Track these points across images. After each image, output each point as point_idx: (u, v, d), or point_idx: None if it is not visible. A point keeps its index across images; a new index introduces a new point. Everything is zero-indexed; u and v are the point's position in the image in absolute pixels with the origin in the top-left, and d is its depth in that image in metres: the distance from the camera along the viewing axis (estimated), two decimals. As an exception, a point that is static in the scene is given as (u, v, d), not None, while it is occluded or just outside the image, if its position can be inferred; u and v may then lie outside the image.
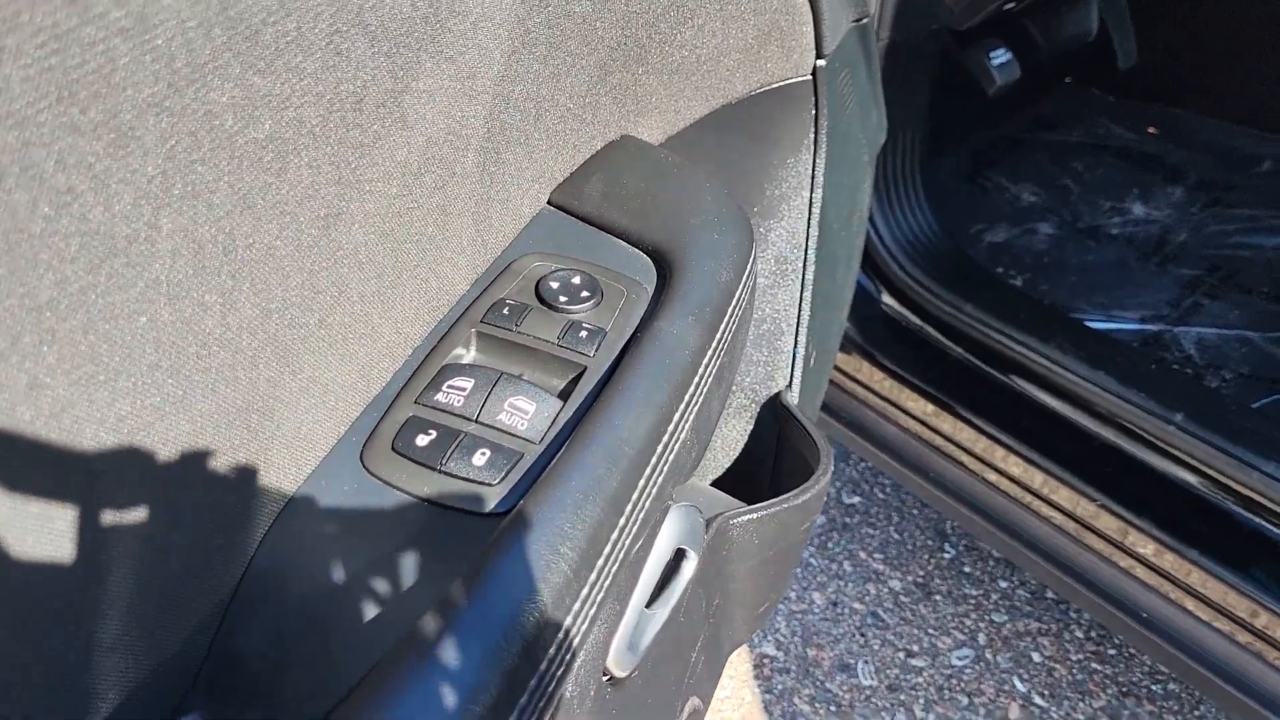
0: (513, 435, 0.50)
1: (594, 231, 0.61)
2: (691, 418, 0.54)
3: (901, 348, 1.39)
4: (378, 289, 0.48)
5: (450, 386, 0.52)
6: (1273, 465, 1.10)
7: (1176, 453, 1.17)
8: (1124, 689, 1.47)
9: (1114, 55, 1.79)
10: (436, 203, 0.50)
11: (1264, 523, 1.12)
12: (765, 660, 1.52)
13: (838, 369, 1.42)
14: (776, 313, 0.89)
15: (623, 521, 0.48)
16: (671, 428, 0.51)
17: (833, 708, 1.45)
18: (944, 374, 1.35)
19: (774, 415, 0.88)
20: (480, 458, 0.49)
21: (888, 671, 1.51)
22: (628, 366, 0.53)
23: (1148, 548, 1.18)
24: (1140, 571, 1.19)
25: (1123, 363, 1.23)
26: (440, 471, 0.49)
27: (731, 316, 0.59)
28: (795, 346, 0.91)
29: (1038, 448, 1.26)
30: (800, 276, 0.89)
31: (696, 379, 0.54)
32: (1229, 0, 1.78)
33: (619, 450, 0.49)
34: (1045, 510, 1.26)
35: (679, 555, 0.61)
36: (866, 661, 1.52)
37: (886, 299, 1.39)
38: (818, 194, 0.86)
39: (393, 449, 0.50)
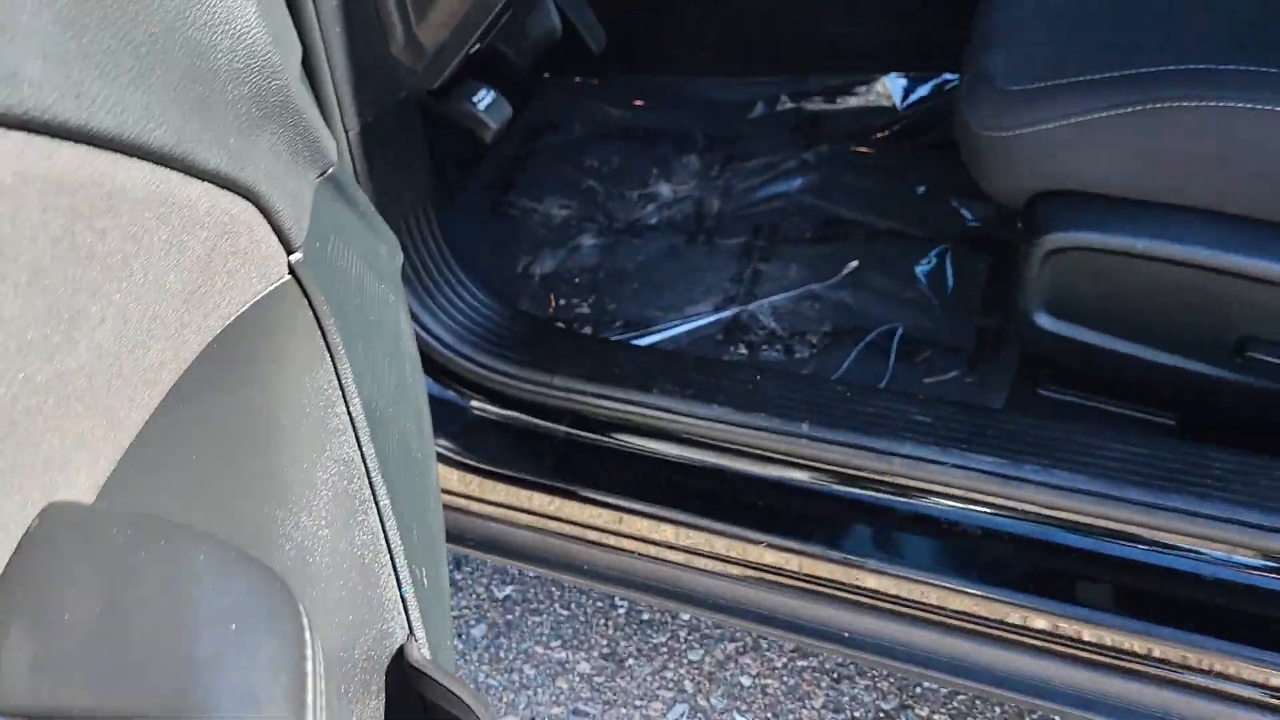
0: None
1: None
2: None
3: (503, 446, 1.22)
4: None
5: None
6: (908, 445, 1.06)
7: (805, 461, 1.11)
8: (834, 676, 1.43)
9: (585, 44, 1.70)
10: None
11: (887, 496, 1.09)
12: (486, 826, 1.32)
13: (447, 492, 1.23)
14: (362, 558, 0.68)
15: None
16: None
17: (576, 843, 1.29)
18: (554, 458, 1.20)
19: (405, 679, 0.68)
20: None
21: (615, 771, 1.36)
22: None
23: (798, 563, 1.11)
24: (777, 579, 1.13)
25: (731, 385, 1.14)
26: None
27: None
28: (400, 587, 0.70)
29: (675, 504, 1.15)
30: (374, 501, 0.68)
31: None
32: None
33: None
34: (708, 564, 1.15)
35: None
36: (589, 770, 1.37)
37: (472, 402, 1.21)
38: (355, 403, 0.65)
39: None
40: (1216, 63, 0.98)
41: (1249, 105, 0.95)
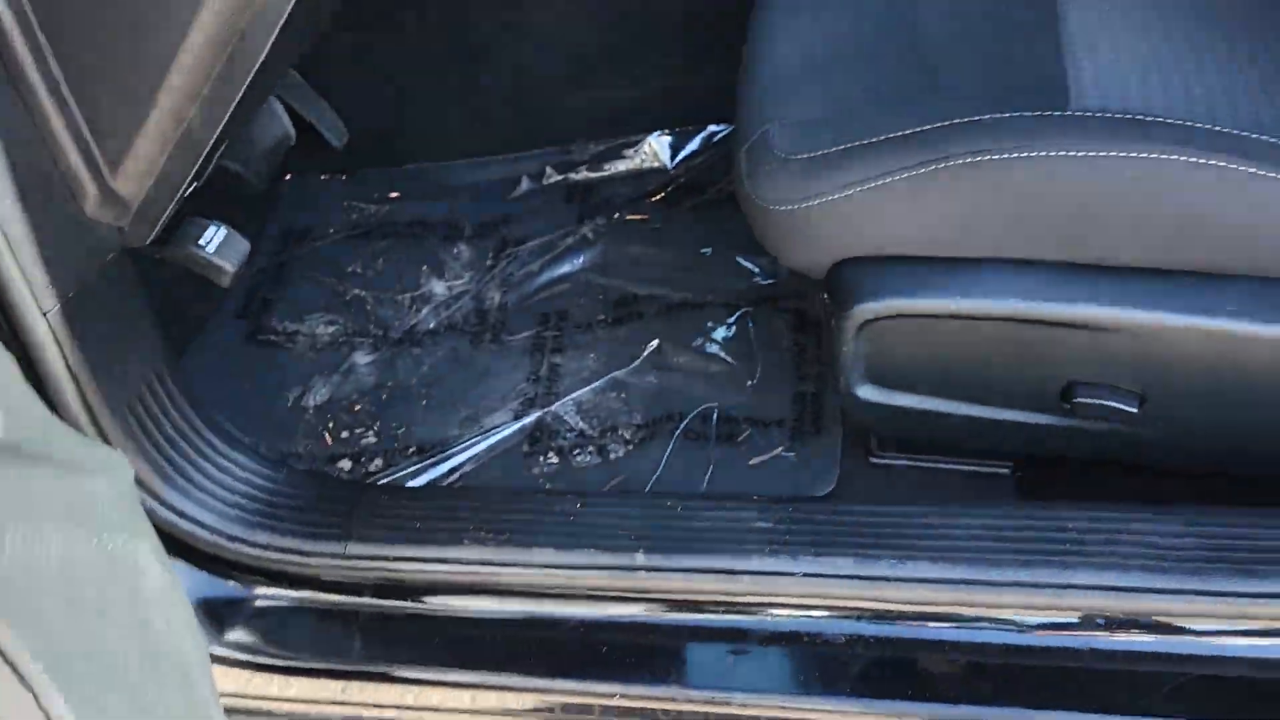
0: None
1: None
2: None
3: (298, 635, 1.05)
4: None
5: None
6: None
7: (647, 594, 1.00)
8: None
9: (325, 140, 1.54)
10: None
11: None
12: None
13: (242, 697, 1.05)
14: None
15: None
16: None
17: None
18: (361, 637, 1.05)
19: None
20: None
21: None
22: None
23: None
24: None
25: (552, 522, 1.02)
26: None
27: None
28: None
29: (508, 667, 1.02)
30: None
31: None
32: (391, 51, 1.62)
33: None
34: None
35: None
36: None
37: (254, 589, 1.04)
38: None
39: None
40: (997, 111, 0.94)
41: (1038, 154, 0.91)
